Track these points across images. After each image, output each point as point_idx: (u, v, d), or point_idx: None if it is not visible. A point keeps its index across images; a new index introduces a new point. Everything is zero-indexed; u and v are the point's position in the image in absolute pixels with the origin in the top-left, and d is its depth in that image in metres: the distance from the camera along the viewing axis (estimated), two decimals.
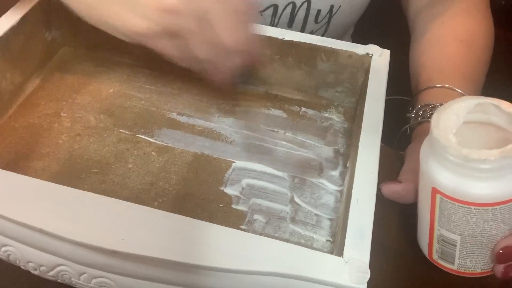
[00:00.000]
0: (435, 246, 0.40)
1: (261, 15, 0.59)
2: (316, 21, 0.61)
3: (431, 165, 0.37)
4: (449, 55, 0.57)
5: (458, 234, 0.37)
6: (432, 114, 0.50)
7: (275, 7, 0.59)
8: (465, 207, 0.36)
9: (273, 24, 0.61)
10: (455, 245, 0.38)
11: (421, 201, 0.40)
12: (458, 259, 0.39)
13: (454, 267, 0.40)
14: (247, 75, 0.38)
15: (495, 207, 0.35)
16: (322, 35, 0.64)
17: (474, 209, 0.36)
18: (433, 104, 0.51)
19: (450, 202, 0.36)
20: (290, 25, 0.61)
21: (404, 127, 0.54)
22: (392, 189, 0.43)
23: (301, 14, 0.60)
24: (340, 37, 0.70)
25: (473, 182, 0.35)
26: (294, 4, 0.59)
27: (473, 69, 0.57)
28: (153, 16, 0.32)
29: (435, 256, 0.41)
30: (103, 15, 0.33)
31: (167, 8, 0.32)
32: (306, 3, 0.59)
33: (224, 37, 0.34)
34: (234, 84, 0.39)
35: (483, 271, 0.39)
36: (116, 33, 0.34)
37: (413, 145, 0.49)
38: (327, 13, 0.61)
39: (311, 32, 0.63)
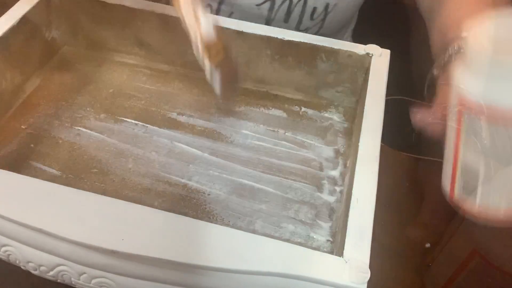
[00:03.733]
0: (458, 180, 0.37)
1: (258, 8, 0.60)
2: (311, 18, 0.62)
3: (461, 76, 0.34)
4: None
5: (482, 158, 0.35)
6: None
7: (272, 2, 0.59)
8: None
9: (269, 19, 0.61)
10: (478, 175, 0.35)
11: (448, 132, 0.37)
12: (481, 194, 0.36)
13: (476, 206, 0.36)
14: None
15: None
16: (317, 32, 0.64)
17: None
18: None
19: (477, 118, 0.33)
20: (286, 21, 0.62)
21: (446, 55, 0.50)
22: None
23: (297, 10, 0.61)
24: (335, 33, 0.70)
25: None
26: (290, 1, 0.60)
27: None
28: None
29: (457, 190, 0.37)
30: None
31: None
32: (302, 1, 0.60)
33: None
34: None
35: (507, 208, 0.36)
36: None
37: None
38: (323, 10, 0.62)
39: (307, 29, 0.63)
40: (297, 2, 0.60)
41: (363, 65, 0.48)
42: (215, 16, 0.50)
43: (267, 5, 0.60)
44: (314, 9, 0.61)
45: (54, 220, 0.33)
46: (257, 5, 0.60)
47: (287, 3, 0.60)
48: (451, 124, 0.37)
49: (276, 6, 0.60)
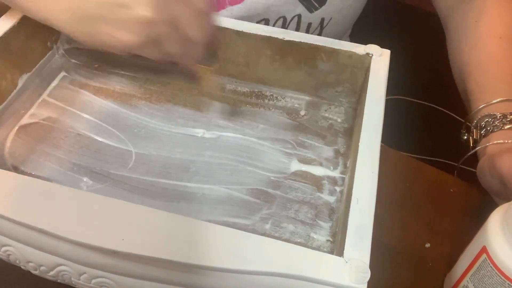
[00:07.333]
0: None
1: None
2: (307, 32, 0.62)
3: (494, 231, 0.37)
4: (492, 55, 0.56)
5: None
6: (497, 125, 0.49)
7: (266, 21, 0.60)
8: (501, 278, 0.36)
9: None
10: None
11: (468, 250, 0.41)
12: None
13: None
14: (209, 57, 0.46)
15: None
16: None
17: (508, 284, 0.36)
18: (494, 114, 0.50)
19: (490, 266, 0.37)
20: None
21: (475, 148, 0.51)
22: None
23: (291, 27, 0.62)
24: None
25: None
26: (284, 18, 0.60)
27: None
28: (135, 29, 0.39)
29: None
30: (99, 37, 0.40)
31: (145, 21, 0.38)
32: (296, 17, 0.60)
33: (192, 34, 0.41)
34: (201, 64, 0.47)
35: None
36: (112, 49, 0.41)
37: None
38: (318, 25, 0.62)
39: None
40: (291, 19, 0.60)
41: (363, 65, 0.48)
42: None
43: (262, 23, 0.60)
44: (309, 24, 0.61)
45: (54, 220, 0.33)
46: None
47: (281, 20, 0.60)
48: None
49: (270, 24, 0.60)
